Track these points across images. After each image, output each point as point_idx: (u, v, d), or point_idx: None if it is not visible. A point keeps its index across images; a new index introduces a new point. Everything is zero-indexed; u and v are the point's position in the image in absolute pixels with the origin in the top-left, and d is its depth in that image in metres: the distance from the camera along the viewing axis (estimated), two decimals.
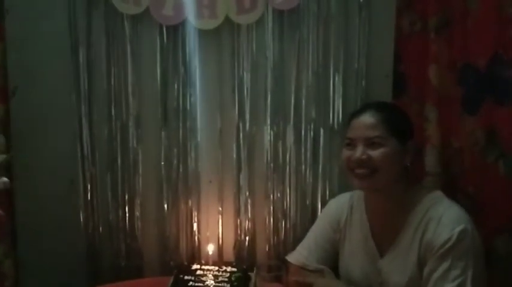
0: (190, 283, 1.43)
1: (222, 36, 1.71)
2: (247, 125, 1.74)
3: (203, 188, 1.79)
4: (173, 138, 1.75)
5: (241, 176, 1.76)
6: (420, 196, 1.27)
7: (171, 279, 1.47)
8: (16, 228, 1.78)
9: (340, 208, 1.44)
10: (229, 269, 1.52)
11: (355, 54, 1.68)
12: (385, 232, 1.30)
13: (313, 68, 1.69)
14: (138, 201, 1.78)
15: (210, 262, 1.57)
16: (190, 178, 1.77)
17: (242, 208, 1.78)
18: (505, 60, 1.33)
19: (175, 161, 1.76)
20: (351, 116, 1.32)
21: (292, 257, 1.48)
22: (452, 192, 1.41)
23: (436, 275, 1.16)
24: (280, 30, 1.69)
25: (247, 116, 1.73)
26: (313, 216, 1.71)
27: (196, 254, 1.79)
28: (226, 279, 1.45)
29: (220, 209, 1.79)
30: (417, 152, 1.43)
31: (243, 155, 1.75)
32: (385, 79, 1.68)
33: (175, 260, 1.78)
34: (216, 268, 1.52)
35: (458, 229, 1.15)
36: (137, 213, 1.78)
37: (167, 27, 1.70)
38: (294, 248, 1.53)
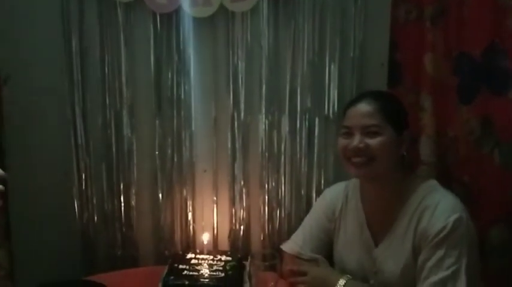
0: (185, 272, 1.43)
1: (216, 24, 1.69)
2: (242, 114, 1.73)
3: (198, 177, 1.78)
4: (167, 127, 1.74)
5: (236, 166, 1.76)
6: (415, 185, 1.27)
7: (166, 268, 1.47)
8: (10, 218, 1.76)
9: (335, 197, 1.45)
10: (224, 258, 1.51)
11: (351, 43, 1.67)
12: (380, 221, 1.31)
13: (308, 57, 1.68)
14: (133, 190, 1.77)
15: (205, 251, 1.56)
16: (185, 167, 1.76)
17: (237, 197, 1.78)
18: (501, 49, 1.33)
19: (169, 151, 1.75)
20: (347, 105, 1.32)
21: (287, 246, 1.48)
22: (448, 181, 1.42)
23: (430, 263, 1.16)
24: (275, 19, 1.67)
25: (242, 105, 1.72)
26: (308, 205, 1.71)
27: (191, 244, 1.79)
28: (221, 268, 1.45)
29: (215, 198, 1.79)
30: (412, 141, 1.43)
31: (238, 144, 1.75)
32: (380, 68, 1.68)
33: (170, 249, 1.78)
34: (211, 257, 1.52)
35: (452, 217, 1.16)
36: (132, 202, 1.78)
37: (161, 15, 1.67)
38: (288, 237, 1.54)
